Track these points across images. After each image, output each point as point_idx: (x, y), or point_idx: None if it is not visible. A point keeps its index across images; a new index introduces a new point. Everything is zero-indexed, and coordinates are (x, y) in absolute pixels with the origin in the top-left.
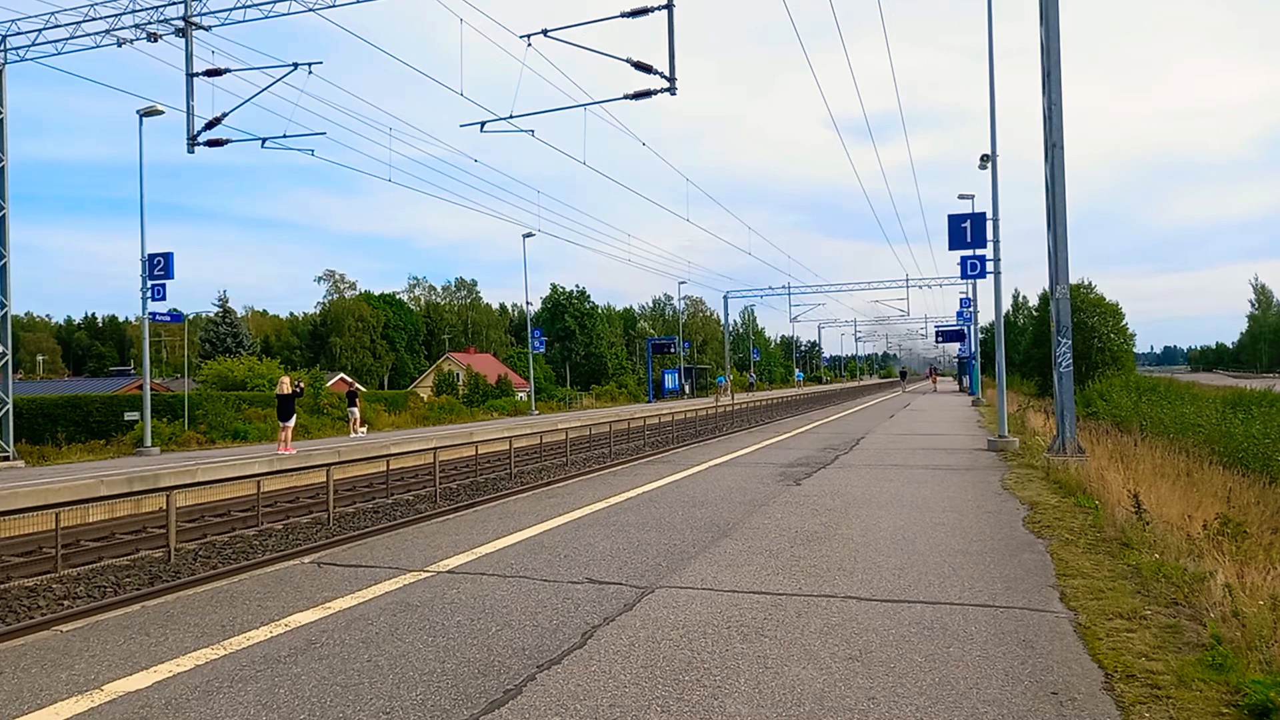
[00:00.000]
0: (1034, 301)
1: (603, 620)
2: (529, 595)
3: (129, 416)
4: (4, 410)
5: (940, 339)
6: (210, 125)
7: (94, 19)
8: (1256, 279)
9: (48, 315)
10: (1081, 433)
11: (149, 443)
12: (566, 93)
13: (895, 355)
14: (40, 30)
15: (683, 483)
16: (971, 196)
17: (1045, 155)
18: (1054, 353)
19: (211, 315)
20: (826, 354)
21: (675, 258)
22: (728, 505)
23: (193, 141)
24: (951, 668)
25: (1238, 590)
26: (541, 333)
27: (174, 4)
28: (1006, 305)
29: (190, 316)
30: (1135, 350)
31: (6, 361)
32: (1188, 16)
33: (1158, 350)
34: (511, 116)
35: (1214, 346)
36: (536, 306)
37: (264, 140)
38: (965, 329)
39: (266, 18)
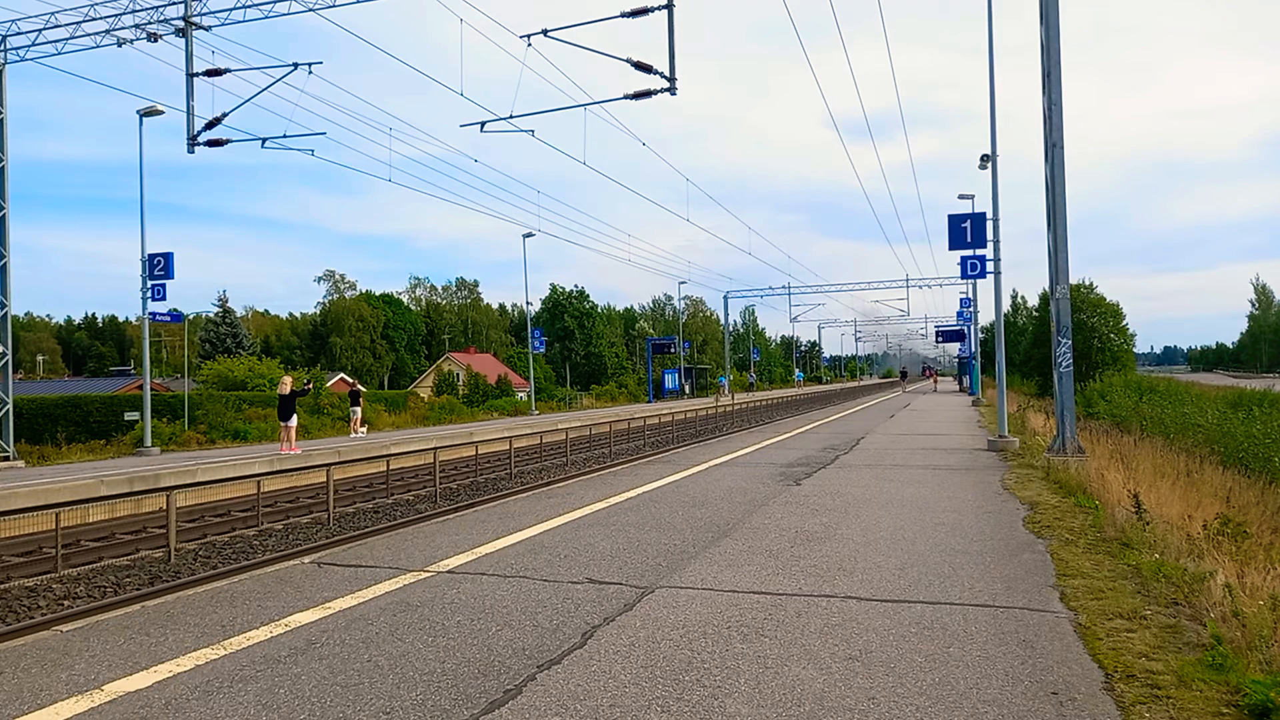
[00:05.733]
0: (1034, 301)
1: (603, 620)
2: (529, 595)
3: (129, 416)
4: (4, 410)
5: (940, 339)
6: (210, 125)
7: (94, 19)
8: (1257, 279)
9: (48, 315)
10: (1082, 433)
11: (149, 443)
12: (566, 93)
13: (894, 355)
14: (40, 30)
15: (683, 483)
16: (971, 196)
17: (1045, 155)
18: (1054, 353)
19: (211, 315)
20: (826, 354)
21: (675, 258)
22: (728, 505)
23: (193, 141)
24: (951, 668)
25: (1238, 590)
26: (541, 333)
27: (174, 4)
28: (1006, 305)
29: (190, 316)
30: (1135, 350)
31: (6, 361)
32: (1187, 17)
33: (1158, 350)
34: (511, 116)
35: (1214, 346)
36: (536, 306)
37: (264, 140)
38: (965, 329)
39: (266, 18)
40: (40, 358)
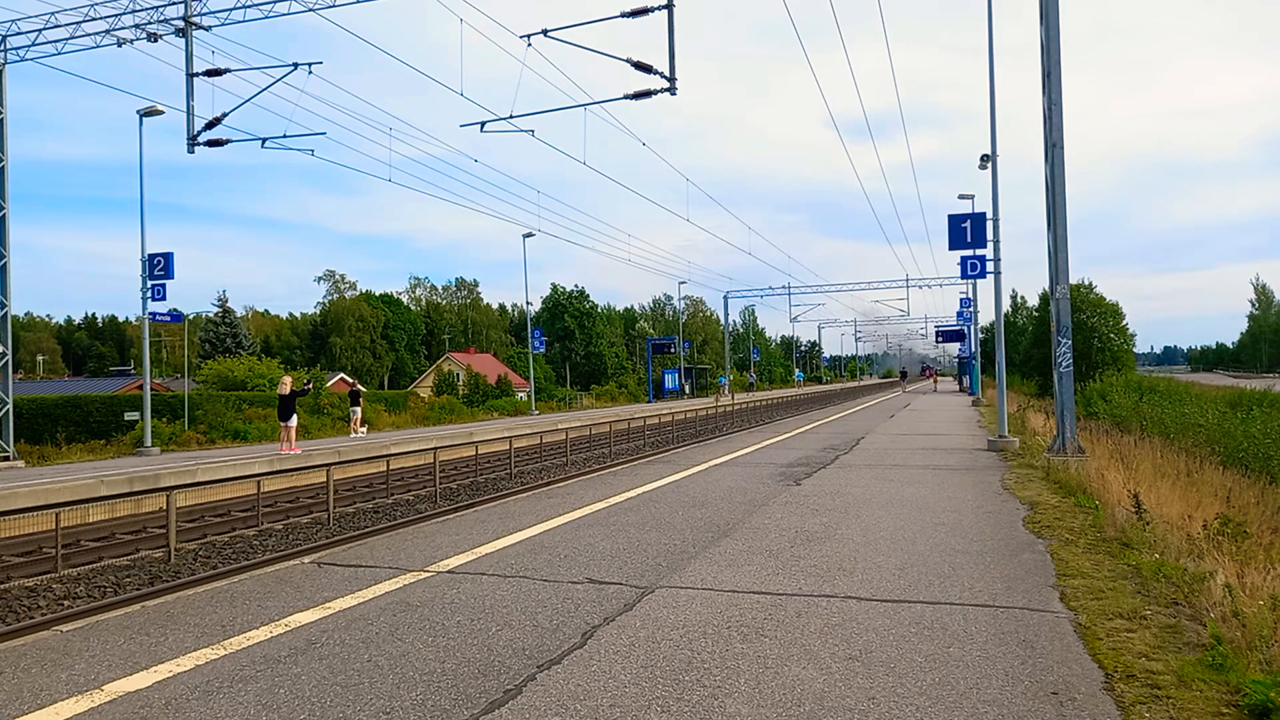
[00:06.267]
0: (1034, 301)
1: (603, 620)
2: (529, 595)
3: (129, 416)
4: (4, 410)
5: (940, 339)
6: (210, 125)
7: (94, 19)
8: (1257, 279)
9: (48, 315)
10: (1082, 433)
11: (149, 443)
12: (566, 93)
13: (894, 355)
14: (40, 30)
15: (683, 483)
16: (971, 196)
17: (1045, 155)
18: (1054, 353)
19: (211, 315)
20: (826, 354)
21: (675, 258)
22: (728, 505)
23: (193, 141)
24: (951, 668)
25: (1238, 590)
26: (541, 333)
27: (174, 4)
28: (1006, 305)
29: (190, 316)
30: (1135, 350)
31: (6, 361)
32: (1187, 16)
33: (1158, 350)
34: (511, 116)
35: (1214, 346)
36: (536, 306)
37: (264, 140)
38: (965, 329)
39: (266, 18)
40: (40, 358)
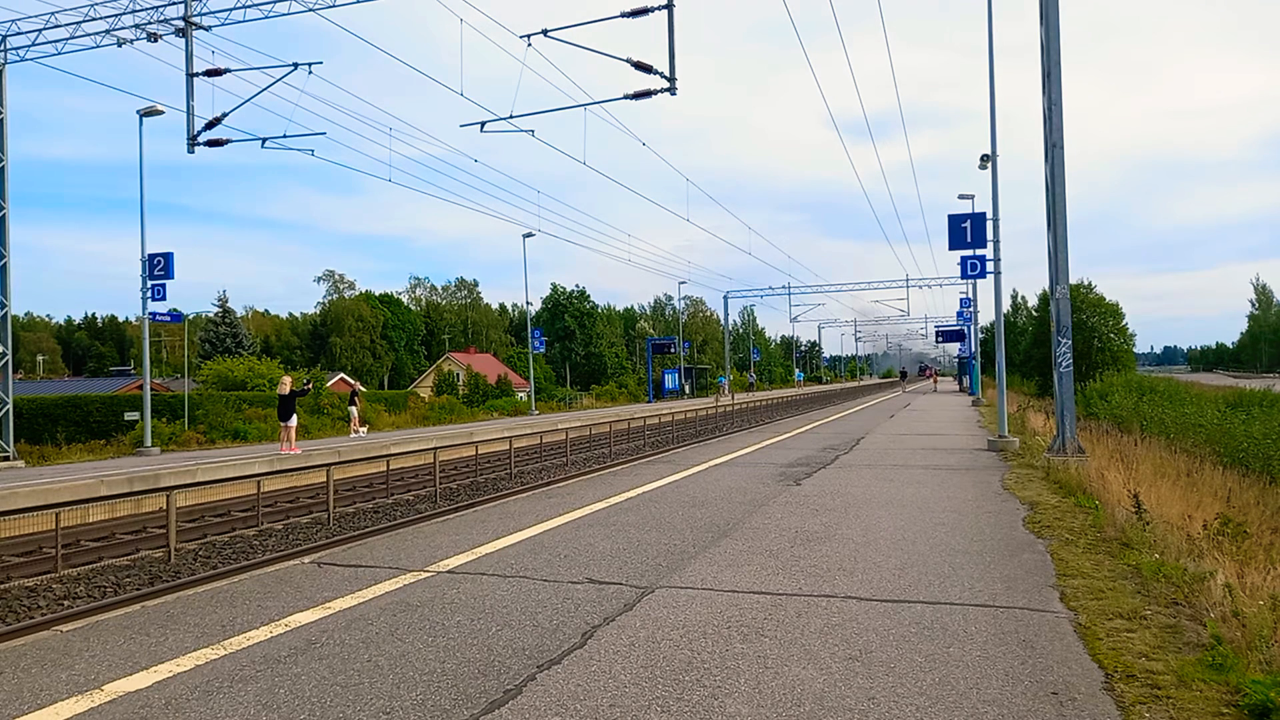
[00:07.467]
0: (1034, 301)
1: (603, 620)
2: (529, 595)
3: (129, 416)
4: (4, 410)
5: (940, 339)
6: (210, 125)
7: (94, 19)
8: (1257, 279)
9: (48, 315)
10: (1082, 433)
11: (149, 443)
12: (566, 93)
13: (894, 355)
14: (40, 30)
15: (683, 483)
16: (971, 197)
17: (1045, 155)
18: (1054, 353)
19: (211, 315)
20: (826, 354)
21: (675, 258)
22: (728, 505)
23: (193, 141)
24: (951, 668)
25: (1238, 590)
26: (541, 333)
27: (174, 4)
28: (1006, 305)
29: (190, 316)
30: (1135, 350)
31: (6, 361)
32: (1187, 16)
33: (1158, 350)
34: (511, 116)
35: (1214, 346)
36: (536, 306)
37: (264, 140)
38: (965, 329)
39: (266, 18)
40: (40, 358)
